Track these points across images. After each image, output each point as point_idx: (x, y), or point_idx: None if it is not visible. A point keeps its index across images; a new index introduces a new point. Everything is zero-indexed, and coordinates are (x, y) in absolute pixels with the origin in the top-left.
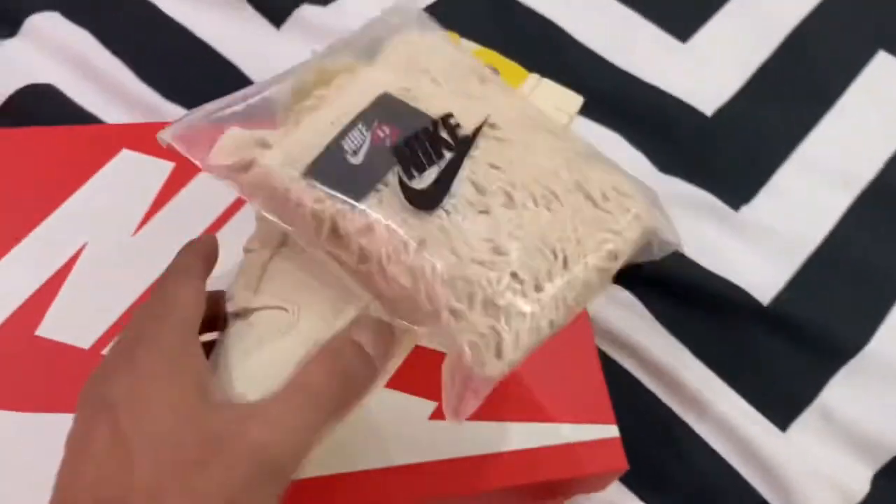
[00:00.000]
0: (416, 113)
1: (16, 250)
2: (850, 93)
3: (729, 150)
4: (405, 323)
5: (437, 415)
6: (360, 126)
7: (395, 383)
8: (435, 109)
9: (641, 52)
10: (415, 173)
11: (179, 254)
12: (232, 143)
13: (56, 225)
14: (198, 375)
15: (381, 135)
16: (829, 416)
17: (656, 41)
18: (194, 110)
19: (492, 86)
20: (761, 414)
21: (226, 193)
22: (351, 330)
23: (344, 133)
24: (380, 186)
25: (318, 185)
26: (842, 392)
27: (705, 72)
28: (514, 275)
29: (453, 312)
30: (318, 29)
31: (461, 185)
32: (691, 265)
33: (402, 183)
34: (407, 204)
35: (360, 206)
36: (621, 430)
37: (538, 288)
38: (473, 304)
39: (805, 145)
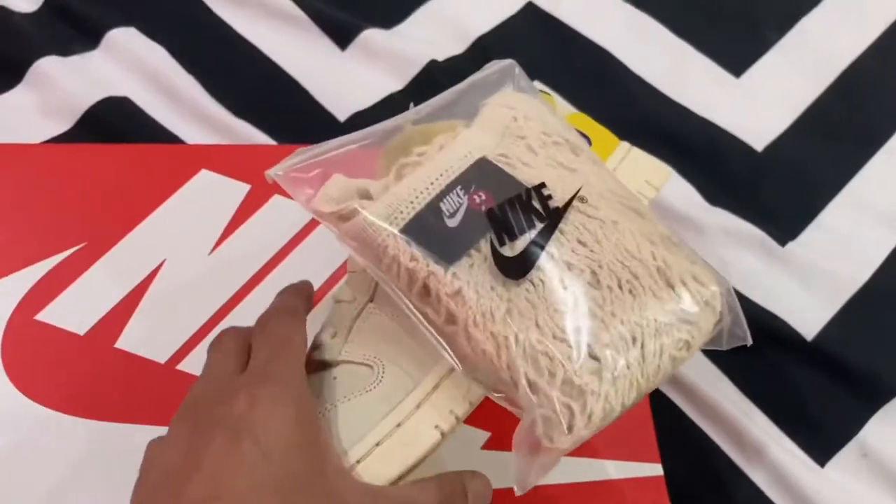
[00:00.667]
0: (512, 180)
1: (98, 264)
2: None
3: (778, 186)
4: (481, 386)
5: (490, 444)
6: (458, 189)
7: None
8: (529, 178)
9: (695, 85)
10: (506, 240)
11: (283, 295)
12: (335, 191)
13: (136, 241)
14: (317, 421)
15: (478, 200)
16: (868, 453)
17: (710, 75)
18: (301, 152)
19: (584, 157)
20: (800, 448)
21: (299, 217)
22: (465, 476)
23: (443, 195)
24: (472, 252)
25: (415, 243)
26: (882, 430)
27: (757, 107)
28: (593, 356)
29: (531, 385)
30: (380, 51)
31: (549, 259)
32: (737, 296)
33: (493, 249)
34: (497, 271)
35: (452, 269)
36: (662, 459)
37: (615, 370)
38: (553, 380)
39: (854, 183)
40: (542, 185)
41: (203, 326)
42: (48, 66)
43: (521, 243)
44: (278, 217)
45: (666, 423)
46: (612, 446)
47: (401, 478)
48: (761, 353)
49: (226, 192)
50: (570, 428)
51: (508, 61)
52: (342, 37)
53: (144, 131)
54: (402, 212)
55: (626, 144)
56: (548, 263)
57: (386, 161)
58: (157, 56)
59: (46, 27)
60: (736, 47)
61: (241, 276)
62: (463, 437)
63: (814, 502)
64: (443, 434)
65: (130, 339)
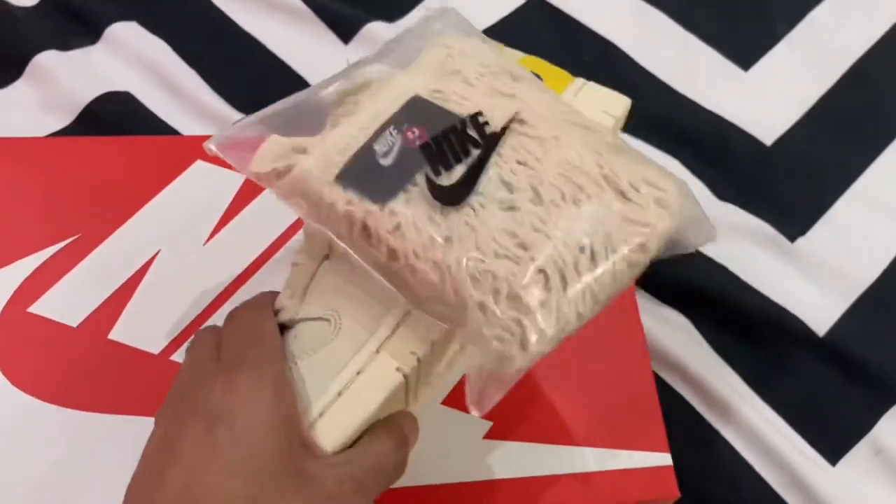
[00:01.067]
0: (446, 113)
1: (91, 256)
2: None
3: (787, 181)
4: (435, 318)
5: (492, 434)
6: (391, 129)
7: (451, 401)
8: (465, 109)
9: (703, 78)
10: (442, 171)
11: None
12: (272, 150)
13: (131, 232)
14: (294, 406)
15: (412, 136)
16: (881, 451)
17: (718, 68)
18: (238, 120)
19: (524, 83)
20: (812, 447)
21: None
22: (398, 416)
23: (376, 136)
24: (408, 186)
25: (350, 186)
26: (893, 428)
27: (766, 100)
28: (539, 269)
29: (480, 306)
30: None
31: (488, 183)
32: (747, 291)
33: (428, 180)
34: (434, 202)
35: (390, 206)
36: (672, 454)
37: (564, 281)
38: (499, 298)
39: (864, 178)
40: (479, 113)
41: (198, 317)
42: (48, 61)
43: (457, 171)
44: (274, 207)
45: (674, 416)
46: (621, 436)
47: (367, 424)
48: (772, 349)
49: (221, 182)
50: (523, 344)
51: (448, 7)
52: (345, 30)
53: (145, 126)
54: (335, 160)
55: (581, 80)
56: (486, 187)
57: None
58: (158, 50)
59: (46, 21)
60: (744, 40)
61: (237, 267)
62: (465, 426)
63: (825, 500)
64: (405, 376)
65: (124, 331)
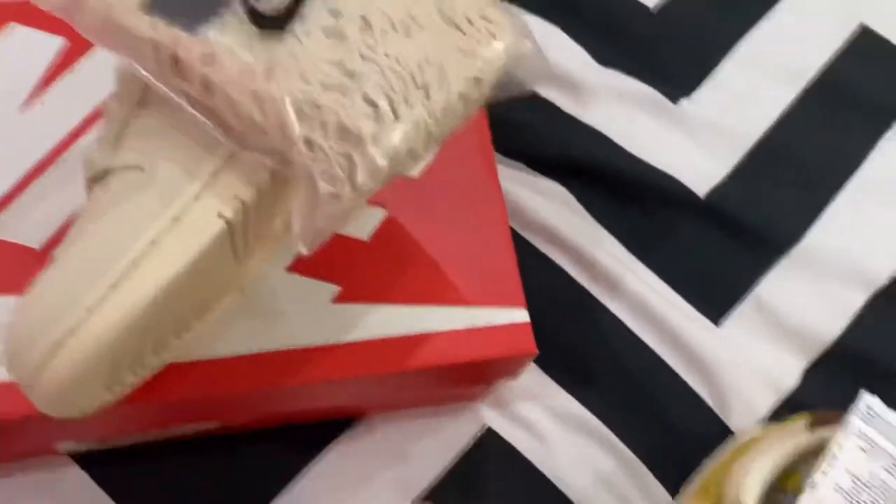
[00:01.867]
0: None
1: None
2: None
3: (671, 44)
4: (258, 155)
5: (342, 298)
6: None
7: (297, 267)
8: None
9: None
10: None
11: None
12: None
13: None
14: None
15: None
16: (763, 309)
17: None
18: None
19: None
20: (695, 308)
21: None
22: None
23: None
24: (222, 11)
25: (157, 13)
26: (776, 286)
27: None
28: (367, 99)
29: (305, 141)
30: None
31: (314, 9)
32: (626, 157)
33: (246, 4)
34: (253, 29)
35: (202, 34)
36: (548, 320)
37: (395, 114)
38: (326, 131)
39: (749, 38)
40: None
41: (13, 188)
42: None
43: None
44: (97, 71)
45: (555, 289)
46: (476, 293)
47: (186, 273)
48: (653, 214)
49: (37, 46)
50: (352, 179)
51: None
52: None
53: None
54: None
55: None
56: (312, 14)
57: None
58: None
59: None
60: None
61: (55, 135)
62: (311, 291)
63: (708, 359)
64: (228, 222)
65: None
